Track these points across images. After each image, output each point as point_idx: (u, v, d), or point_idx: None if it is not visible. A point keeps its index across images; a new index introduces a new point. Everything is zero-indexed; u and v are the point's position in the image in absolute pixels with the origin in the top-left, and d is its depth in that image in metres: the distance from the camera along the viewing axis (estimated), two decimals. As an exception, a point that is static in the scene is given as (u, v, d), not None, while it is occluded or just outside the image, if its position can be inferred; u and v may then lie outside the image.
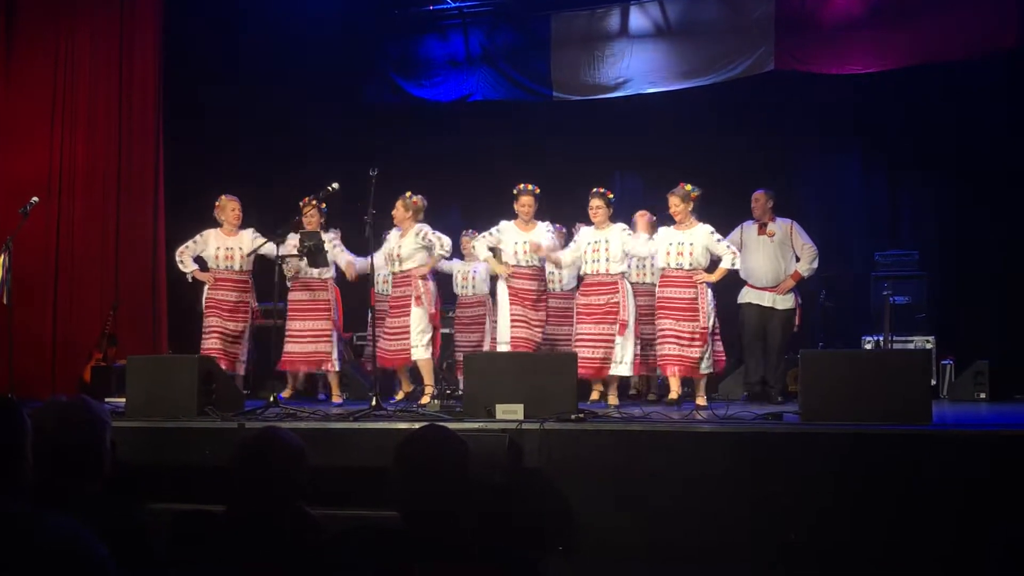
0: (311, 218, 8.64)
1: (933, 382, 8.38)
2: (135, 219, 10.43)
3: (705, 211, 10.39)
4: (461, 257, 9.85)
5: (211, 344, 8.53)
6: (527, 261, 8.38)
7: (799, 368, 6.48)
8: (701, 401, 7.84)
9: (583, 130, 11.38)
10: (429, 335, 8.41)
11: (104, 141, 10.54)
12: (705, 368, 7.90)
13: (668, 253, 7.97)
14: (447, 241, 8.51)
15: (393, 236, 8.63)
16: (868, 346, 9.36)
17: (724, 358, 8.52)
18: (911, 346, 9.28)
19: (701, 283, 7.85)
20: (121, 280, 10.37)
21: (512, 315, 8.29)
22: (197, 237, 8.81)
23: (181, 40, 10.70)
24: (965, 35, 9.60)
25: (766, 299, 8.77)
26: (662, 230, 8.19)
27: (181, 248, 8.81)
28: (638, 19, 11.08)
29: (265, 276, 8.70)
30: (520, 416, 6.21)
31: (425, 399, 8.18)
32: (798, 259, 8.81)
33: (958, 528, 5.16)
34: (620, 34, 11.12)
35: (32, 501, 2.81)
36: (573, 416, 6.18)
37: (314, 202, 8.61)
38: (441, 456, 2.82)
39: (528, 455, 5.85)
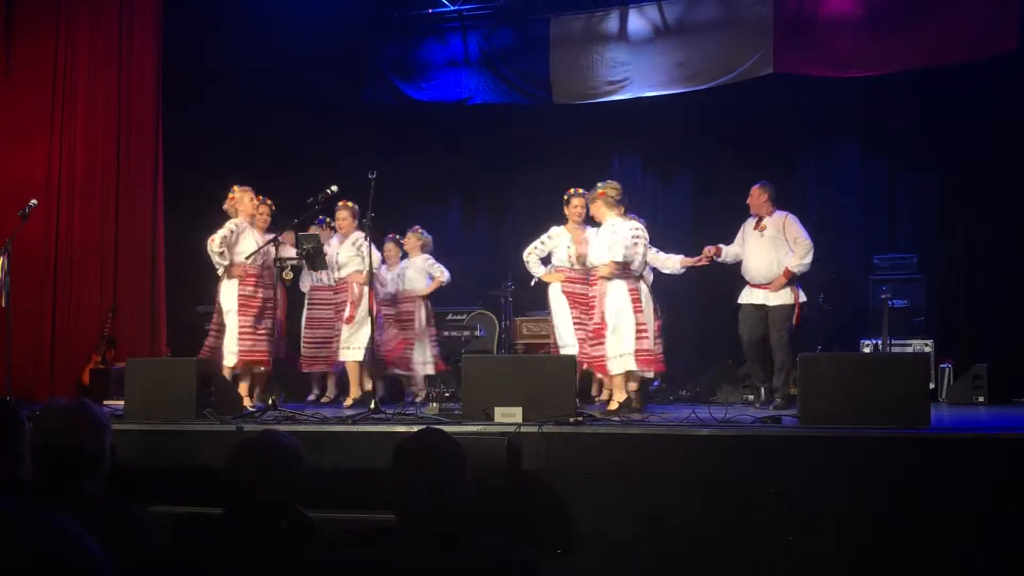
0: (262, 217, 8.54)
1: (932, 385, 8.37)
2: (134, 221, 10.42)
3: (703, 213, 10.45)
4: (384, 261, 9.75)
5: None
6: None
7: (798, 371, 6.48)
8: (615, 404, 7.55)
9: (582, 133, 11.38)
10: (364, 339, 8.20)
11: (103, 143, 10.53)
12: (618, 367, 7.54)
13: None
14: (376, 257, 8.63)
15: (333, 242, 8.79)
16: (867, 349, 9.36)
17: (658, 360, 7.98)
18: (910, 349, 9.28)
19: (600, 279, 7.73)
20: (120, 282, 10.37)
21: (573, 320, 8.21)
22: (232, 226, 8.38)
23: (180, 40, 10.70)
24: (964, 38, 9.60)
25: (758, 296, 8.48)
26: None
27: (220, 239, 8.28)
28: (637, 22, 11.07)
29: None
30: (519, 419, 6.21)
31: (349, 401, 8.45)
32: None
33: (956, 531, 5.16)
34: (619, 37, 11.11)
35: (31, 502, 2.81)
36: (572, 419, 6.18)
37: (267, 202, 8.59)
38: (436, 459, 2.82)
39: (527, 458, 5.85)
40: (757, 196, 8.58)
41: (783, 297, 8.44)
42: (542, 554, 5.52)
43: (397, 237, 9.74)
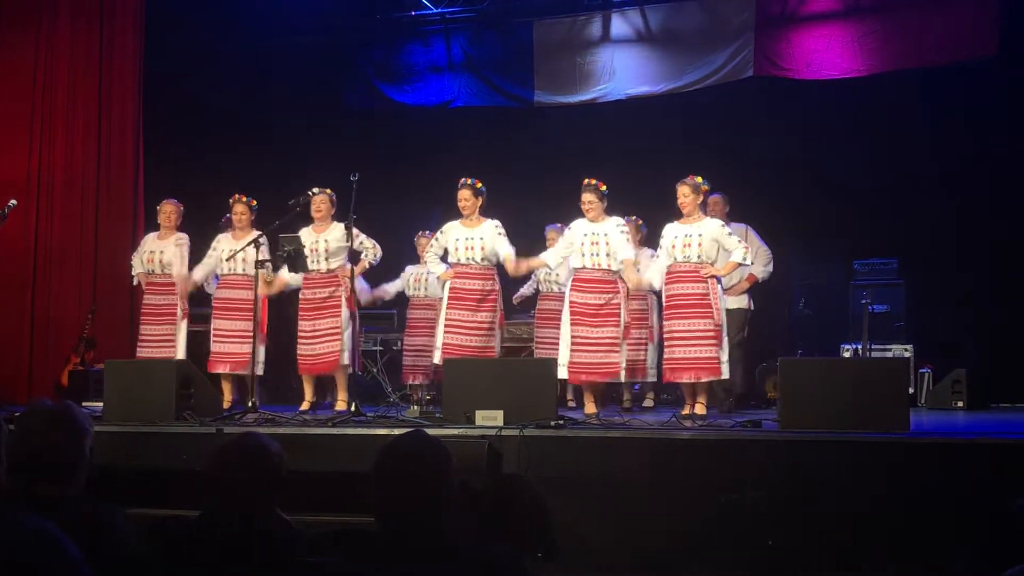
0: (241, 216, 8.55)
1: (911, 390, 8.41)
2: (114, 222, 10.39)
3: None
4: (416, 259, 9.50)
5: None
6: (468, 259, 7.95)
7: (778, 376, 6.49)
8: (700, 409, 7.33)
9: (565, 136, 11.38)
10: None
11: (83, 144, 10.50)
12: (726, 371, 7.32)
13: (674, 247, 7.43)
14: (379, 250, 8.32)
15: (305, 232, 8.17)
16: (847, 354, 9.38)
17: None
18: (889, 354, 9.31)
19: (710, 276, 7.31)
20: (99, 283, 10.33)
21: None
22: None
23: (162, 42, 10.67)
24: (945, 41, 9.67)
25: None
26: (668, 226, 7.63)
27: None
28: (620, 26, 11.12)
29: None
30: (500, 422, 6.22)
31: (341, 405, 7.88)
32: (752, 263, 8.41)
33: (934, 534, 5.18)
34: (602, 41, 11.15)
35: (7, 504, 2.79)
36: (553, 423, 6.19)
37: (243, 198, 8.57)
38: (423, 463, 2.81)
39: (507, 461, 5.85)
40: (721, 207, 8.66)
41: (740, 302, 8.71)
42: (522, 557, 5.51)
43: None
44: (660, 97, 10.86)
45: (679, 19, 10.91)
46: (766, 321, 10.29)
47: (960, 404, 8.79)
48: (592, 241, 7.65)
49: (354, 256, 8.21)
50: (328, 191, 8.11)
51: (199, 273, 8.64)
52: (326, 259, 8.04)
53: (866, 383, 6.12)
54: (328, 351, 7.96)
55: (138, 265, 8.78)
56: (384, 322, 10.33)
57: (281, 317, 9.05)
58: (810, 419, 6.02)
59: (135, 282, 8.88)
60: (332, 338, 7.92)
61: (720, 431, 6.24)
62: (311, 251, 8.05)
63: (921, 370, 9.30)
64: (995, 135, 9.96)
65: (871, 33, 10.03)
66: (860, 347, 9.26)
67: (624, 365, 7.65)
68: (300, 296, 8.25)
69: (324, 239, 8.06)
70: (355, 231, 8.02)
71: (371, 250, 8.22)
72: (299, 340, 8.17)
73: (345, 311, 7.96)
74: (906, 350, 9.44)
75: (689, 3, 10.90)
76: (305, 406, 8.08)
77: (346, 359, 7.92)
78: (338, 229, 8.03)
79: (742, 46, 10.44)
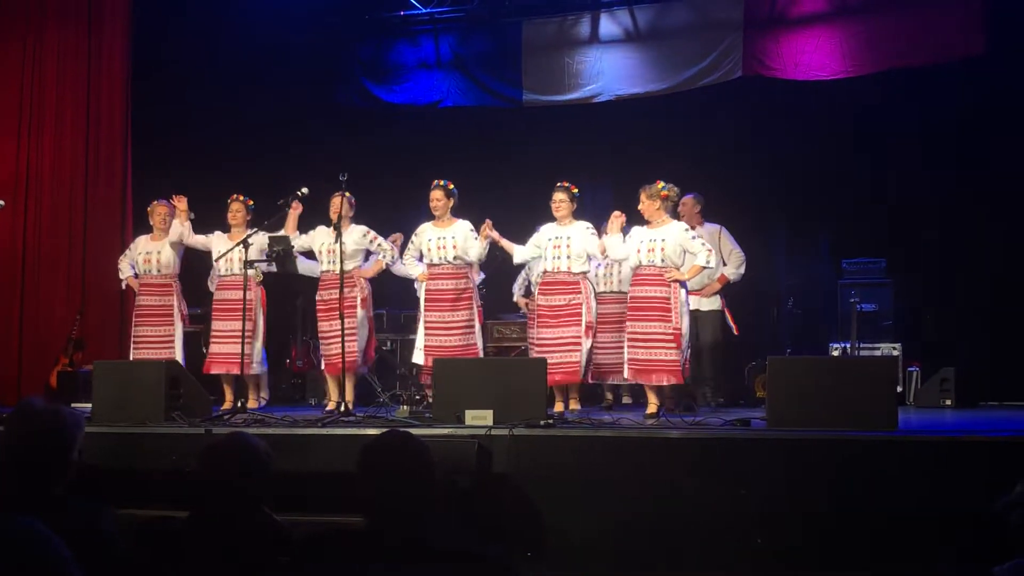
0: (236, 214, 8.57)
1: (899, 389, 8.44)
2: (103, 223, 10.37)
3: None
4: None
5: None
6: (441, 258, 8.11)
7: (766, 374, 6.51)
8: (652, 408, 7.38)
9: (554, 136, 11.39)
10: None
11: (71, 146, 10.47)
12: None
13: (639, 251, 7.48)
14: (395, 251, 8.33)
15: (323, 232, 8.21)
16: (835, 353, 9.40)
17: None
18: (878, 353, 9.33)
19: (673, 281, 7.33)
20: (88, 285, 10.31)
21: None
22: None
23: (150, 43, 10.64)
24: (933, 41, 9.69)
25: (691, 303, 8.31)
26: (635, 229, 7.69)
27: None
28: (608, 26, 11.11)
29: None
30: (489, 422, 6.22)
31: (331, 405, 7.97)
32: (725, 264, 8.82)
33: (921, 533, 5.20)
34: (591, 41, 11.14)
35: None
36: (542, 422, 6.20)
37: (240, 197, 8.58)
38: (403, 461, 2.81)
39: (497, 460, 5.86)
40: (690, 207, 8.77)
41: (713, 303, 8.87)
42: (512, 556, 5.52)
43: None
44: (649, 97, 10.87)
45: (668, 19, 10.91)
46: (754, 320, 10.31)
47: (948, 402, 8.82)
48: (555, 244, 7.88)
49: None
50: (347, 193, 8.08)
51: (189, 235, 8.67)
52: (341, 260, 8.04)
53: (854, 382, 6.14)
54: (337, 352, 7.92)
55: (127, 269, 8.78)
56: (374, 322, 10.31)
57: (280, 318, 9.07)
58: (798, 418, 6.03)
59: (123, 286, 8.88)
60: (338, 340, 7.84)
61: (709, 430, 6.26)
62: (328, 252, 8.07)
63: (909, 369, 9.32)
64: (982, 134, 9.98)
65: (859, 34, 10.05)
66: (848, 346, 9.28)
67: (585, 362, 7.76)
68: (316, 297, 8.32)
69: (340, 240, 8.05)
70: (372, 234, 8.20)
71: (388, 252, 8.26)
72: (320, 341, 8.34)
73: (360, 312, 8.05)
74: (894, 349, 9.45)
75: (677, 3, 10.89)
76: (330, 406, 8.02)
77: (356, 360, 7.98)
78: (356, 231, 8.09)
79: (731, 46, 10.45)
